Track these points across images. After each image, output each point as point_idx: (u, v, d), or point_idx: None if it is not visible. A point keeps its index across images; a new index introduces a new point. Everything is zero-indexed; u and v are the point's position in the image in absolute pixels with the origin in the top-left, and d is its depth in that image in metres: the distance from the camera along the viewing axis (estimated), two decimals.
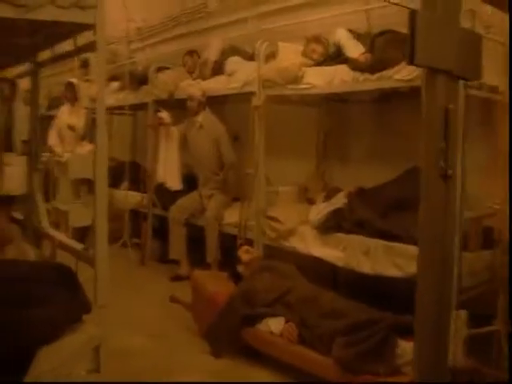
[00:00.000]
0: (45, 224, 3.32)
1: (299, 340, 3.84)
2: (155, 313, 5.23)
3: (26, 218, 3.51)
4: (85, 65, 9.59)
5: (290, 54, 5.55)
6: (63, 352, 2.28)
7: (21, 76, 4.00)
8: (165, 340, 4.60)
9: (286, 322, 3.97)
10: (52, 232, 3.28)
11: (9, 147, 9.33)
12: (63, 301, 2.43)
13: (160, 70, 7.56)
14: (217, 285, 4.76)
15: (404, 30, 2.03)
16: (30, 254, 3.06)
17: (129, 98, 7.82)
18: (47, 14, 2.43)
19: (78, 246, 2.80)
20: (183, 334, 4.71)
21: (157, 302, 5.40)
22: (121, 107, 8.10)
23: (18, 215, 3.65)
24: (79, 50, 2.95)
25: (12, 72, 4.11)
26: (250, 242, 5.38)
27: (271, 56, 5.67)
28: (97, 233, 2.44)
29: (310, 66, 5.23)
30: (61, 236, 3.25)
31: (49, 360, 2.20)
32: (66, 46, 3.32)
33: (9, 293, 2.35)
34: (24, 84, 10.17)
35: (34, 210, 3.43)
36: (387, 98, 5.10)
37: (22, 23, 2.61)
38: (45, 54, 3.57)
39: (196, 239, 6.48)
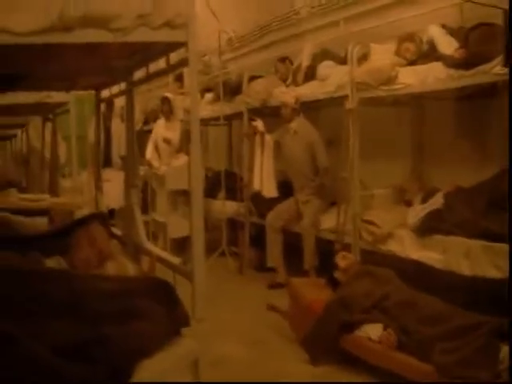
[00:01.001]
0: (143, 239, 3.38)
1: (398, 346, 3.76)
2: (253, 321, 5.26)
3: (125, 234, 3.59)
4: (179, 78, 9.77)
5: (382, 55, 5.49)
6: (162, 365, 2.31)
7: (116, 95, 4.11)
8: (263, 348, 4.62)
9: (385, 328, 3.91)
10: (151, 247, 3.34)
11: (108, 163, 9.65)
12: (162, 315, 2.47)
13: (253, 78, 7.61)
14: (314, 292, 4.74)
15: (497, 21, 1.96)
16: (130, 269, 3.12)
17: (223, 108, 7.88)
18: (141, 35, 2.49)
19: (176, 261, 2.85)
20: (281, 342, 4.72)
21: (254, 311, 5.43)
22: (216, 118, 8.20)
23: (117, 231, 3.74)
24: (172, 68, 3.00)
25: (108, 91, 4.23)
26: (347, 247, 5.33)
27: (363, 58, 5.62)
28: (194, 248, 2.46)
29: (404, 65, 5.16)
30: (159, 251, 3.30)
31: (148, 373, 2.24)
32: (160, 63, 3.40)
33: (109, 308, 2.40)
34: (119, 101, 10.49)
35: (133, 225, 3.50)
36: (482, 94, 4.94)
37: (118, 46, 2.69)
38: (139, 73, 3.65)
39: (293, 246, 6.45)
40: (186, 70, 9.58)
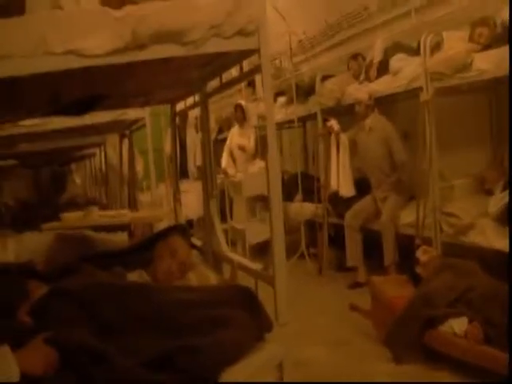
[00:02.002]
0: (224, 247, 3.43)
1: (484, 340, 3.69)
2: (335, 321, 5.27)
3: (205, 243, 3.64)
4: (251, 84, 9.84)
5: (455, 43, 5.41)
6: (246, 371, 2.34)
7: (191, 107, 4.18)
8: (346, 349, 4.62)
9: (470, 321, 3.83)
10: (231, 255, 3.38)
11: (184, 174, 9.80)
12: (246, 322, 2.50)
13: (325, 78, 7.61)
14: (396, 289, 4.70)
15: None
16: (212, 278, 3.16)
17: (297, 110, 7.92)
18: (213, 46, 2.52)
19: (257, 267, 2.87)
20: (364, 342, 4.72)
21: (336, 311, 5.44)
22: (290, 121, 8.23)
23: (197, 241, 3.80)
24: (245, 76, 3.04)
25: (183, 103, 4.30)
26: (427, 241, 5.27)
27: (436, 47, 5.53)
28: (274, 253, 2.49)
29: (478, 51, 5.07)
30: (240, 258, 3.34)
31: (235, 378, 2.27)
32: (233, 70, 3.45)
33: (193, 318, 2.45)
34: (193, 111, 10.64)
35: (213, 234, 3.55)
36: None
37: (191, 58, 2.74)
38: (213, 82, 3.70)
39: (372, 244, 6.43)
40: (258, 76, 9.70)
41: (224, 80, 3.48)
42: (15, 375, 2.02)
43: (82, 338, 2.21)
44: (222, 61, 3.05)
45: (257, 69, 2.72)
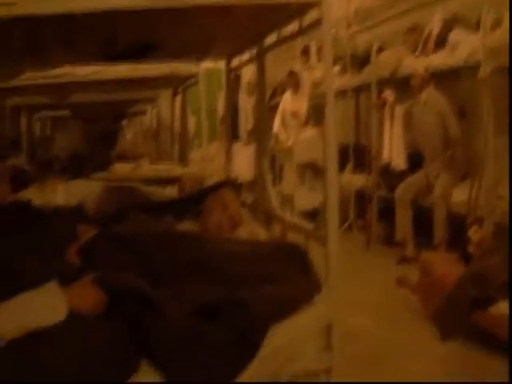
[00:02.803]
0: (275, 206, 3.37)
1: None
2: (381, 296, 5.19)
3: (256, 202, 3.60)
4: (306, 52, 9.74)
5: None
6: (294, 330, 2.29)
7: (247, 62, 4.09)
8: (391, 323, 4.55)
9: None
10: (282, 213, 3.33)
11: (235, 137, 9.78)
12: (295, 280, 2.45)
13: (381, 49, 7.46)
14: (446, 266, 4.61)
15: None
16: (261, 234, 3.12)
17: (351, 80, 7.80)
18: None
19: (308, 226, 2.81)
20: (410, 317, 4.64)
21: (382, 285, 5.36)
22: (343, 91, 8.11)
23: (248, 199, 3.76)
24: (305, 30, 2.95)
25: (234, 63, 4.23)
26: (480, 221, 5.15)
27: (497, 23, 5.34)
28: (328, 212, 2.43)
29: None
30: (291, 217, 3.29)
31: (280, 337, 2.22)
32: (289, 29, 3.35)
33: (243, 271, 2.41)
34: (246, 76, 10.58)
35: (264, 193, 3.50)
36: None
37: (250, 9, 2.67)
38: (269, 40, 3.61)
39: (422, 220, 6.31)
40: (312, 44, 9.63)
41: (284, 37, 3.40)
42: (63, 311, 2.01)
43: (131, 282, 2.18)
44: (280, 14, 2.95)
45: (317, 22, 2.62)
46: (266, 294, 2.27)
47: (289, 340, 2.27)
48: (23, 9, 2.07)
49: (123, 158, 8.21)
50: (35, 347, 1.92)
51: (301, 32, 2.95)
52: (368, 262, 6.53)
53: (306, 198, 7.46)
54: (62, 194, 4.48)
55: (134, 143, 11.55)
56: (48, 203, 4.15)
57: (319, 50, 9.45)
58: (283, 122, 8.79)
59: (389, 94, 6.70)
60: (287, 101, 8.86)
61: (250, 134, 10.54)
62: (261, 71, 3.65)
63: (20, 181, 4.59)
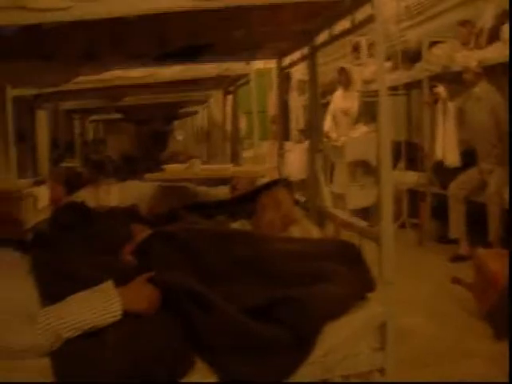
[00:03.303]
0: (328, 204, 3.36)
1: None
2: (434, 293, 5.14)
3: (309, 200, 3.58)
4: (356, 49, 9.69)
5: None
6: (348, 329, 2.27)
7: (299, 61, 4.09)
8: (444, 321, 4.49)
9: None
10: (335, 211, 3.31)
11: (286, 136, 9.78)
12: (349, 278, 2.43)
13: (433, 44, 7.36)
14: (501, 264, 4.51)
15: None
16: (314, 233, 3.11)
17: (402, 77, 7.71)
18: None
19: (362, 224, 2.79)
20: (464, 316, 4.58)
21: (436, 283, 5.31)
22: (394, 87, 8.03)
23: (301, 198, 3.75)
24: (357, 27, 2.93)
25: (285, 62, 4.22)
26: None
27: None
28: (382, 209, 2.40)
29: None
30: (344, 215, 3.27)
31: (334, 336, 2.21)
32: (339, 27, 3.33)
33: (296, 269, 2.40)
34: (296, 74, 10.55)
35: (317, 191, 3.48)
36: None
37: (302, 7, 2.66)
38: (321, 38, 3.59)
39: (476, 217, 6.21)
40: (363, 41, 9.57)
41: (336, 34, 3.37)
42: (118, 311, 2.03)
43: (185, 280, 2.20)
44: (332, 11, 2.94)
45: (370, 18, 2.59)
46: (319, 292, 2.26)
47: (342, 339, 2.25)
48: (77, 13, 2.10)
49: (175, 158, 8.28)
50: (93, 345, 1.96)
51: (353, 29, 2.92)
52: (421, 259, 6.45)
53: (358, 197, 7.41)
54: (115, 195, 4.54)
55: (186, 144, 11.66)
56: (102, 204, 4.21)
57: (370, 47, 9.40)
58: (334, 120, 8.76)
59: (441, 90, 6.60)
60: (338, 98, 8.82)
61: (301, 133, 10.53)
62: (313, 69, 3.64)
63: (74, 183, 4.67)
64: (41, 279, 2.21)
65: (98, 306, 2.02)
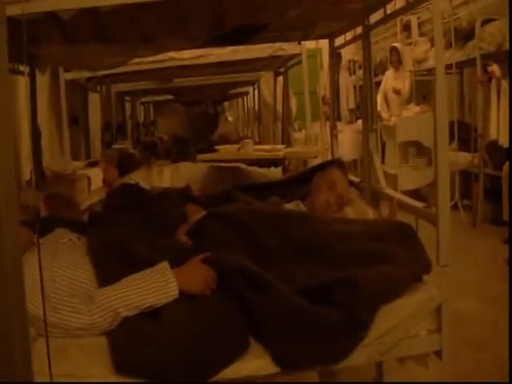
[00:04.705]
0: (383, 184, 3.32)
1: None
2: (488, 276, 5.06)
3: (363, 180, 3.55)
4: (407, 28, 9.58)
5: None
6: (404, 311, 2.25)
7: (353, 41, 4.04)
8: (499, 304, 4.40)
9: None
10: (390, 191, 3.27)
11: (337, 117, 9.74)
12: (406, 259, 2.41)
13: (486, 22, 7.21)
14: None
15: None
16: (369, 213, 3.08)
17: (455, 55, 7.58)
18: None
19: (419, 205, 2.76)
20: None
21: (489, 265, 5.24)
22: (447, 66, 7.90)
23: (354, 178, 3.72)
24: (411, 5, 2.88)
25: (337, 42, 4.18)
26: None
27: None
28: (439, 190, 2.36)
29: None
30: (400, 195, 3.23)
31: (390, 318, 2.19)
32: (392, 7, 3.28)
33: (353, 250, 2.38)
34: (346, 54, 10.46)
35: (371, 171, 3.45)
36: None
37: None
38: (374, 17, 3.54)
39: None
40: (413, 20, 9.42)
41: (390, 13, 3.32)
42: (174, 291, 2.06)
43: (241, 261, 2.20)
44: None
45: None
46: (376, 273, 2.24)
47: (399, 321, 2.23)
48: None
49: (226, 139, 8.31)
50: (150, 324, 1.98)
51: (408, 7, 2.88)
52: (475, 241, 6.36)
53: (410, 177, 7.34)
54: (168, 176, 4.57)
55: (236, 126, 11.69)
56: (155, 185, 4.25)
57: (420, 25, 9.26)
58: (386, 100, 8.69)
59: (495, 68, 6.47)
60: (389, 78, 8.75)
61: (352, 113, 10.47)
62: (367, 49, 3.59)
63: (127, 164, 4.71)
64: (97, 260, 2.24)
65: (155, 286, 2.05)
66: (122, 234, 2.49)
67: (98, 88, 8.60)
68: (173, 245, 2.51)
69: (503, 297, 4.48)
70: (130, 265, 2.21)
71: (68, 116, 6.97)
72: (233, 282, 2.13)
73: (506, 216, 6.29)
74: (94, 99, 8.87)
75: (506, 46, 6.68)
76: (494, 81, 6.53)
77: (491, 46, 6.96)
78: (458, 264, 4.85)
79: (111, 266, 2.21)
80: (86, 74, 6.79)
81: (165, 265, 2.14)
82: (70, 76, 6.74)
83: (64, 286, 2.08)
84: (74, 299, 2.03)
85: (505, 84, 6.39)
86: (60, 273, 2.12)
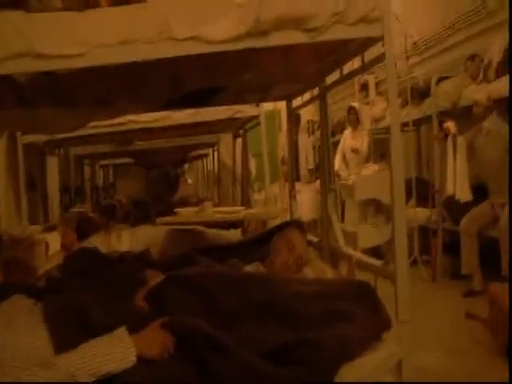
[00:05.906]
0: (342, 243, 3.35)
1: None
2: (449, 329, 5.07)
3: (322, 239, 3.58)
4: (364, 88, 9.76)
5: None
6: (364, 369, 2.25)
7: (309, 102, 4.12)
8: (462, 357, 4.41)
9: None
10: (349, 250, 3.30)
11: (296, 177, 9.82)
12: (364, 318, 2.42)
13: (441, 80, 7.40)
14: None
15: None
16: (328, 273, 3.10)
17: (411, 113, 7.73)
18: (336, 33, 2.43)
19: (377, 263, 2.78)
20: (482, 352, 4.48)
21: (450, 319, 5.25)
22: (404, 124, 8.06)
23: (313, 238, 3.74)
24: (368, 66, 2.96)
25: (295, 103, 4.25)
26: None
27: None
28: (396, 247, 2.40)
29: None
30: (358, 254, 3.25)
31: (351, 377, 2.18)
32: (349, 67, 3.36)
33: (312, 310, 2.38)
34: (305, 115, 10.61)
35: (330, 230, 3.48)
36: None
37: (311, 48, 2.68)
38: (330, 78, 3.62)
39: (488, 251, 6.17)
40: (370, 80, 9.62)
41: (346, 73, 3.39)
42: (132, 357, 2.02)
43: (198, 324, 2.18)
44: (342, 51, 2.96)
45: (380, 57, 2.61)
46: (336, 332, 2.24)
47: (360, 378, 2.23)
48: (89, 60, 2.13)
49: (186, 201, 8.30)
50: None
51: (364, 68, 2.95)
52: (435, 295, 6.39)
53: (369, 235, 7.38)
54: (127, 240, 4.54)
55: (196, 188, 11.70)
56: (113, 249, 4.21)
57: (378, 85, 9.46)
58: (344, 159, 8.80)
59: (451, 125, 6.61)
60: (347, 137, 8.89)
61: (311, 173, 10.57)
62: (324, 110, 3.66)
63: (85, 228, 4.67)
64: (54, 326, 2.20)
65: (113, 352, 2.01)
66: (79, 299, 2.45)
67: (56, 151, 8.56)
68: (131, 310, 2.48)
69: (465, 349, 4.51)
70: (88, 330, 2.18)
71: (25, 179, 6.90)
72: (192, 346, 2.10)
73: (464, 270, 6.35)
74: (52, 162, 8.82)
75: (461, 103, 6.85)
76: (449, 137, 6.64)
77: (447, 104, 7.12)
78: (419, 318, 4.90)
79: (68, 332, 2.18)
80: (44, 138, 6.76)
81: (123, 331, 2.11)
82: (27, 139, 6.69)
83: (21, 351, 2.03)
84: (31, 365, 1.98)
85: (460, 140, 6.50)
86: (16, 338, 2.08)
